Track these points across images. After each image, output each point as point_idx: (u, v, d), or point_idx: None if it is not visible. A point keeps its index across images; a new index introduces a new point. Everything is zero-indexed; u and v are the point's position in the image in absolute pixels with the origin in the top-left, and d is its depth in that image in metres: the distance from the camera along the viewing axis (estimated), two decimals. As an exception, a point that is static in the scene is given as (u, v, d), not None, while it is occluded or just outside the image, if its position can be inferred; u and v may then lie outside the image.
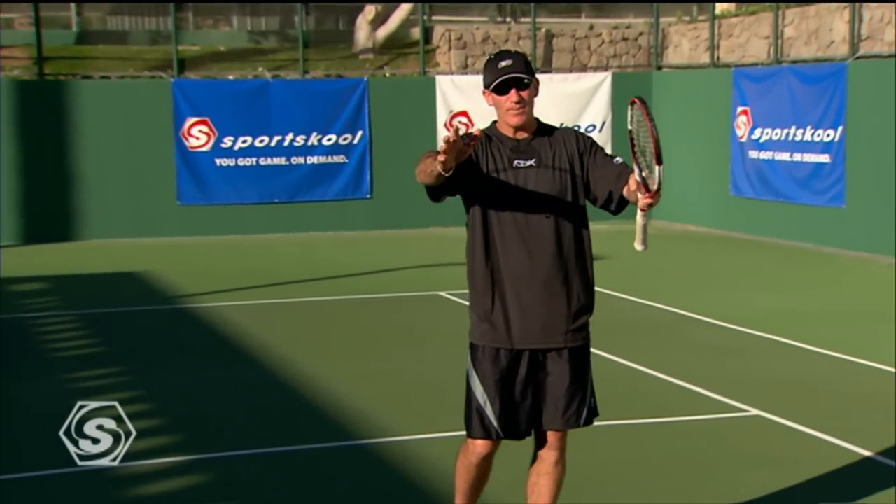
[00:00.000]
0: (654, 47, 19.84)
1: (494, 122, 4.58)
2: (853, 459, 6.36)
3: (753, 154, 16.60)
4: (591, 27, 20.70)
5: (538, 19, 20.10)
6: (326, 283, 13.02)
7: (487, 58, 4.55)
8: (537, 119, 4.58)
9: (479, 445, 4.55)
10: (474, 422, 4.52)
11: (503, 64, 4.41)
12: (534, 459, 4.68)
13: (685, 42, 19.96)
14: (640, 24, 20.92)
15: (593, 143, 4.60)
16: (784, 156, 16.04)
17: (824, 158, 15.30)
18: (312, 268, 14.09)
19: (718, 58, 18.73)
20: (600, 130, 18.34)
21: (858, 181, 14.72)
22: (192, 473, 6.31)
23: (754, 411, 7.37)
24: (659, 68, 19.64)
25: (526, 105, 4.43)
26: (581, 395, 4.58)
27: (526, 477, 4.73)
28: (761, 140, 16.45)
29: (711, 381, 8.14)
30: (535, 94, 4.48)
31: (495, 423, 4.48)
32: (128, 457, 6.29)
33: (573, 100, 18.26)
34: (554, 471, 4.61)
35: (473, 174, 4.42)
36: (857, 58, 15.43)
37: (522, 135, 4.50)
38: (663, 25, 20.29)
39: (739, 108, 16.83)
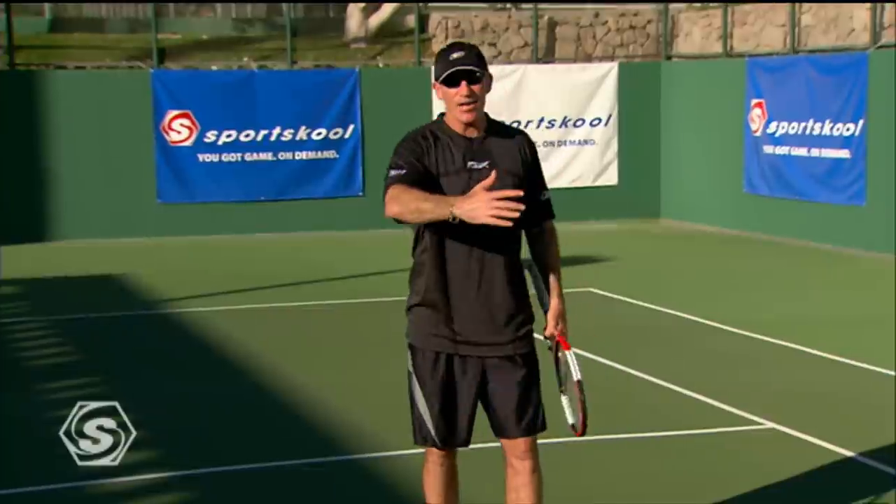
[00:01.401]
0: (664, 36, 19.85)
1: (442, 115, 4.64)
2: (875, 477, 6.37)
3: (768, 149, 16.61)
4: (597, 14, 20.72)
5: (540, 6, 20.10)
6: (316, 286, 13.02)
7: (440, 49, 4.62)
8: (487, 115, 4.65)
9: (433, 453, 4.72)
10: (415, 429, 4.70)
11: (455, 55, 4.48)
12: (507, 473, 4.76)
13: (696, 30, 19.97)
14: (648, 12, 20.94)
15: (536, 158, 4.69)
16: (801, 151, 16.05)
17: (844, 154, 15.31)
18: (301, 270, 14.09)
19: (732, 47, 18.75)
20: (606, 124, 18.35)
21: (880, 178, 14.73)
22: (173, 492, 6.31)
23: (769, 424, 7.38)
24: (668, 58, 19.65)
25: (477, 101, 4.49)
26: (536, 400, 4.70)
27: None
28: (777, 134, 16.46)
29: (723, 391, 8.14)
30: (488, 90, 4.55)
31: (433, 432, 4.63)
32: (106, 473, 6.30)
33: (577, 92, 18.26)
34: (531, 480, 4.71)
35: (428, 179, 4.47)
36: (879, 47, 15.44)
37: (474, 133, 4.56)
38: (673, 13, 20.31)
39: (754, 101, 16.84)
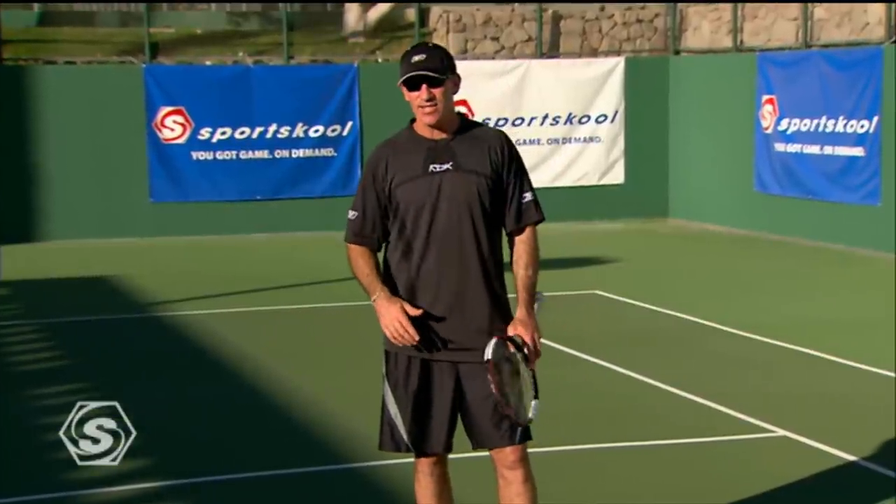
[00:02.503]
0: (672, 30, 19.85)
1: (412, 119, 4.70)
2: (891, 487, 6.36)
3: (780, 147, 16.62)
4: (603, 8, 20.71)
5: (544, -1, 20.10)
6: (314, 288, 13.03)
7: (405, 50, 4.69)
8: (461, 115, 4.71)
9: (421, 462, 4.74)
10: (384, 434, 4.75)
11: (416, 59, 4.55)
12: (499, 484, 4.75)
13: (705, 24, 19.97)
14: (655, 5, 20.92)
15: (515, 158, 4.71)
16: (813, 149, 16.06)
17: (857, 152, 15.32)
18: (299, 271, 14.10)
19: (742, 41, 18.76)
20: (612, 121, 18.35)
21: (895, 177, 14.73)
22: (167, 501, 6.32)
23: (781, 432, 7.38)
24: (677, 53, 19.66)
25: (438, 103, 4.55)
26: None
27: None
28: (788, 131, 16.46)
29: (733, 397, 8.14)
30: (454, 91, 4.62)
31: (405, 438, 4.68)
32: (96, 482, 6.31)
33: (582, 88, 18.27)
34: (525, 490, 4.71)
35: (387, 195, 4.62)
36: (895, 41, 15.44)
37: (440, 135, 4.63)
38: (681, 6, 20.30)
39: (765, 97, 16.85)
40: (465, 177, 4.58)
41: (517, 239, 4.70)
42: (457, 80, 4.64)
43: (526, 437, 4.68)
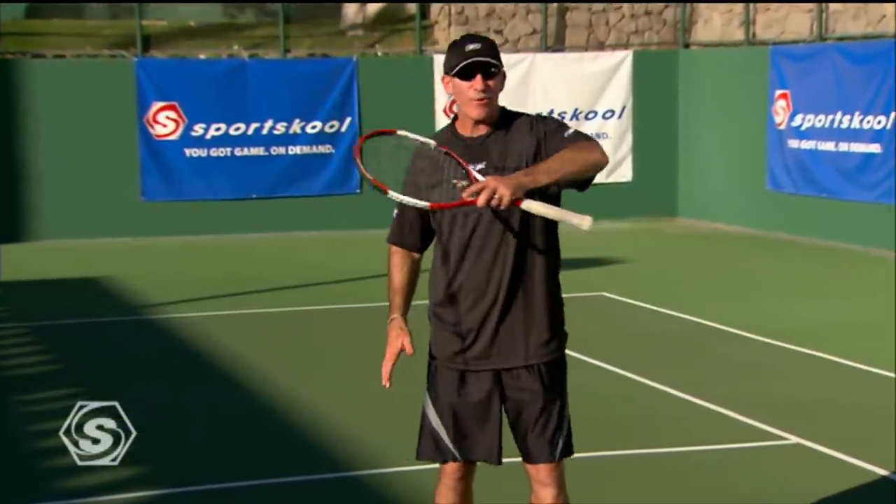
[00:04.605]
0: (681, 22, 19.87)
1: (455, 116, 4.62)
2: (906, 494, 6.39)
3: (793, 143, 16.65)
4: (610, -1, 20.72)
5: (550, -10, 20.12)
6: (311, 289, 13.06)
7: (452, 41, 4.62)
8: (503, 109, 4.59)
9: (447, 473, 4.71)
10: (425, 445, 4.71)
11: (471, 47, 4.46)
12: (532, 499, 4.72)
13: (716, 16, 19.99)
14: (665, -4, 20.94)
15: (548, 124, 4.56)
16: (828, 145, 16.09)
17: (874, 148, 15.34)
18: (295, 272, 14.13)
19: (754, 34, 18.78)
20: (619, 117, 18.39)
21: (912, 175, 14.76)
22: (162, 510, 6.36)
23: (794, 439, 7.41)
24: (686, 46, 19.68)
25: (491, 96, 4.47)
26: (557, 422, 4.61)
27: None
28: (802, 128, 16.49)
29: (745, 403, 8.17)
30: (501, 88, 4.53)
31: (451, 447, 4.64)
32: (89, 491, 6.34)
33: (589, 82, 18.30)
34: None
35: (422, 216, 4.59)
36: (911, 35, 15.47)
37: (480, 131, 4.53)
38: (691, -3, 20.31)
39: (778, 92, 16.88)
40: (497, 175, 4.40)
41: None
42: (505, 77, 4.55)
43: (567, 452, 4.64)
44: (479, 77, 4.43)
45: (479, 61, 4.42)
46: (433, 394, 4.69)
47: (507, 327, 4.55)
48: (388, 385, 4.65)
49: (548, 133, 4.51)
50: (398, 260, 4.73)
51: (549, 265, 4.65)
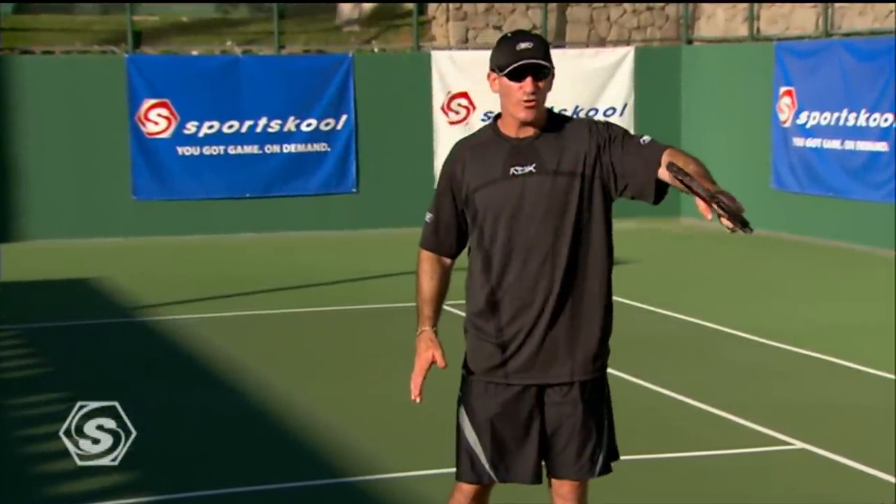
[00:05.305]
0: (684, 17, 19.86)
1: (497, 115, 4.51)
2: (915, 501, 6.38)
3: (798, 141, 16.64)
4: (611, -6, 20.71)
5: (550, -15, 20.11)
6: (306, 291, 13.04)
7: (502, 35, 4.51)
8: (549, 110, 4.47)
9: (462, 491, 4.57)
10: (463, 465, 4.55)
11: (523, 46, 4.33)
12: None
13: (720, 11, 19.98)
14: (667, -9, 20.94)
15: (612, 129, 4.46)
16: (834, 144, 16.08)
17: (881, 147, 15.34)
18: (290, 273, 14.12)
19: (758, 30, 18.77)
20: (621, 114, 18.37)
21: (919, 173, 14.76)
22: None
23: (800, 444, 7.40)
24: (689, 42, 19.67)
25: (540, 99, 4.36)
26: (596, 439, 4.56)
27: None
28: (808, 125, 16.48)
29: (750, 408, 8.16)
30: (550, 89, 4.41)
31: (487, 467, 4.50)
32: (83, 497, 6.32)
33: (590, 79, 18.28)
34: None
35: (464, 200, 4.46)
36: (919, 31, 15.47)
37: (527, 132, 4.41)
38: (694, -8, 20.31)
39: (783, 89, 16.87)
40: (549, 179, 4.36)
41: (670, 167, 4.29)
42: (553, 76, 4.43)
43: (606, 469, 4.58)
44: (529, 79, 4.32)
45: (531, 63, 4.32)
46: (469, 410, 4.52)
47: (552, 339, 4.44)
48: (418, 400, 4.49)
49: (613, 138, 4.42)
50: (428, 267, 4.58)
51: (605, 272, 4.58)
